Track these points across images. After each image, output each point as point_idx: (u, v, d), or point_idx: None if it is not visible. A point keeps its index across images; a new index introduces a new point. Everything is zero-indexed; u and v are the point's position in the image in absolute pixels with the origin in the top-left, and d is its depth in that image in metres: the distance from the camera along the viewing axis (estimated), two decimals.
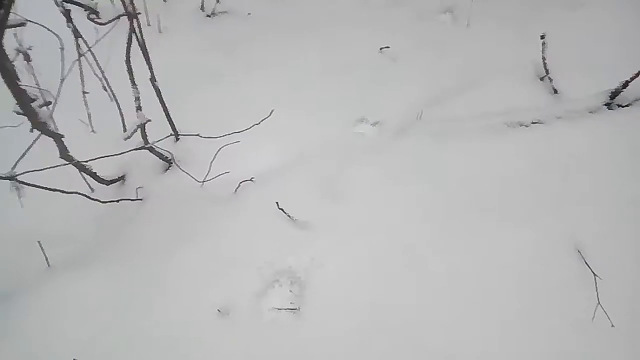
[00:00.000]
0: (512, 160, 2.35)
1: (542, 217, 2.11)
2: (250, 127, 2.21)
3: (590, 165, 2.30)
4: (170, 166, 2.40)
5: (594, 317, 1.81)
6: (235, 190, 2.29)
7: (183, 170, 2.26)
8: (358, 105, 2.76)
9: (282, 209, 2.16)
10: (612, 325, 1.79)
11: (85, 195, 2.05)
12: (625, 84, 2.43)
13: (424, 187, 2.27)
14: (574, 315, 1.84)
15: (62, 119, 1.99)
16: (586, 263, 1.94)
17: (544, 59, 2.72)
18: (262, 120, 2.20)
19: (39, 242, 2.03)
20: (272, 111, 2.22)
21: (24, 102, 1.61)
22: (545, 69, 2.73)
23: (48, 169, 1.79)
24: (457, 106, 2.67)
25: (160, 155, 2.31)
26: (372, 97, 2.79)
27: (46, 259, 2.07)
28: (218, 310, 1.89)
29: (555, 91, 2.69)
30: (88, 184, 2.35)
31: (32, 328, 1.85)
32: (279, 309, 1.92)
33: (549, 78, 2.72)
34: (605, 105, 2.51)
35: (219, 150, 2.25)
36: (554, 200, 2.18)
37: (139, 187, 2.32)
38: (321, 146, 2.52)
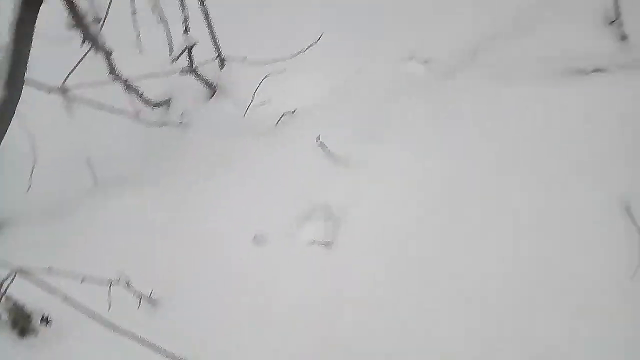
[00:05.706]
0: (569, 110, 2.22)
1: (591, 174, 2.02)
2: (300, 52, 2.18)
3: None
4: (214, 93, 2.40)
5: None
6: (277, 123, 2.28)
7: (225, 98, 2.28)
8: (408, 38, 2.62)
9: (322, 144, 2.14)
10: None
11: (133, 114, 2.09)
12: None
13: (472, 133, 2.18)
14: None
15: (109, 38, 1.99)
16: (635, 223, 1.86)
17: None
18: (309, 47, 2.16)
19: (87, 158, 2.11)
20: (321, 34, 2.16)
21: (76, 13, 1.60)
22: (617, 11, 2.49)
23: (97, 88, 1.83)
24: (513, 49, 2.51)
25: (205, 81, 2.30)
26: (424, 32, 2.65)
27: (94, 176, 2.15)
28: (254, 236, 1.95)
29: (625, 37, 2.48)
30: (134, 106, 2.38)
31: (80, 243, 1.95)
32: (312, 242, 1.96)
33: (619, 22, 2.49)
34: None
35: (263, 79, 2.23)
36: (606, 155, 2.06)
37: (182, 113, 2.35)
38: (368, 81, 2.45)
